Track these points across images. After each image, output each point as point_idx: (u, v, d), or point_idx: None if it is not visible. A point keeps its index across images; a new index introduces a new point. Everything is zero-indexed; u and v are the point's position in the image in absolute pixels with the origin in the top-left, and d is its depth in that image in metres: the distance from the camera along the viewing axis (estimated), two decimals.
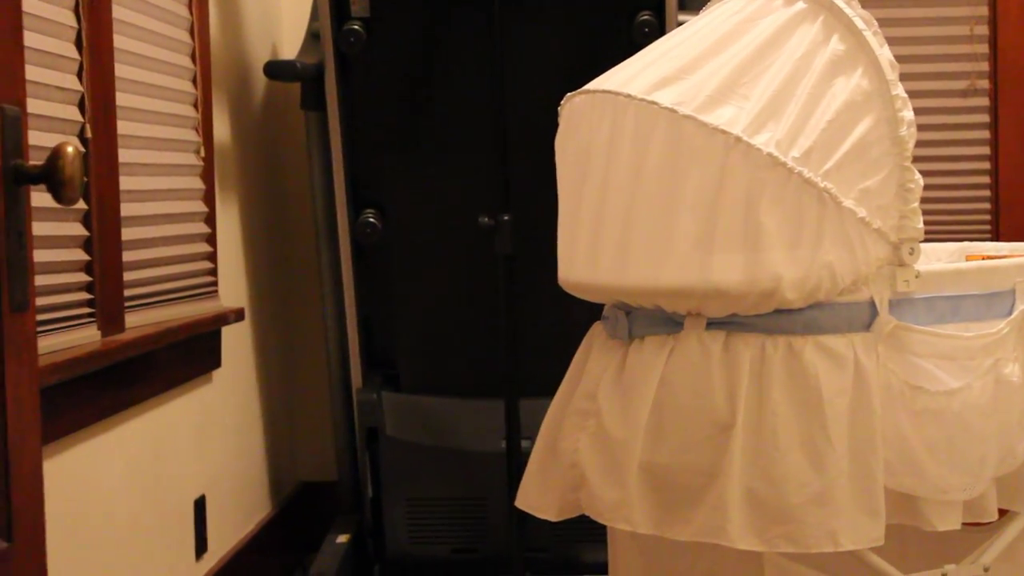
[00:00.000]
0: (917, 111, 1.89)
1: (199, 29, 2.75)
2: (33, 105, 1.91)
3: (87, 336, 2.15)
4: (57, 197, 1.29)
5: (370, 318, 3.12)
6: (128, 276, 2.34)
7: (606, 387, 1.92)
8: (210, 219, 2.80)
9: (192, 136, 2.71)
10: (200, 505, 2.72)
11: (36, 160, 1.32)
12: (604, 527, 2.04)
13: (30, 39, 1.90)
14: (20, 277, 1.29)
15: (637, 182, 1.81)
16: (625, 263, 1.84)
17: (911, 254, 1.86)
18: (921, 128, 1.90)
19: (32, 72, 1.90)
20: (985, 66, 3.50)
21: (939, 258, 2.46)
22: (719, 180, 1.76)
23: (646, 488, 1.86)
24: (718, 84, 1.81)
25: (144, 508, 2.40)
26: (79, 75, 2.13)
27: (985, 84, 3.51)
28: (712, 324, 1.83)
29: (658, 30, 2.77)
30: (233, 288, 3.02)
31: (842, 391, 1.80)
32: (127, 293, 2.34)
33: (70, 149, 1.29)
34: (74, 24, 2.11)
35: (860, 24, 1.86)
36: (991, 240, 3.48)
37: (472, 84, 2.85)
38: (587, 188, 1.89)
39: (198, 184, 2.74)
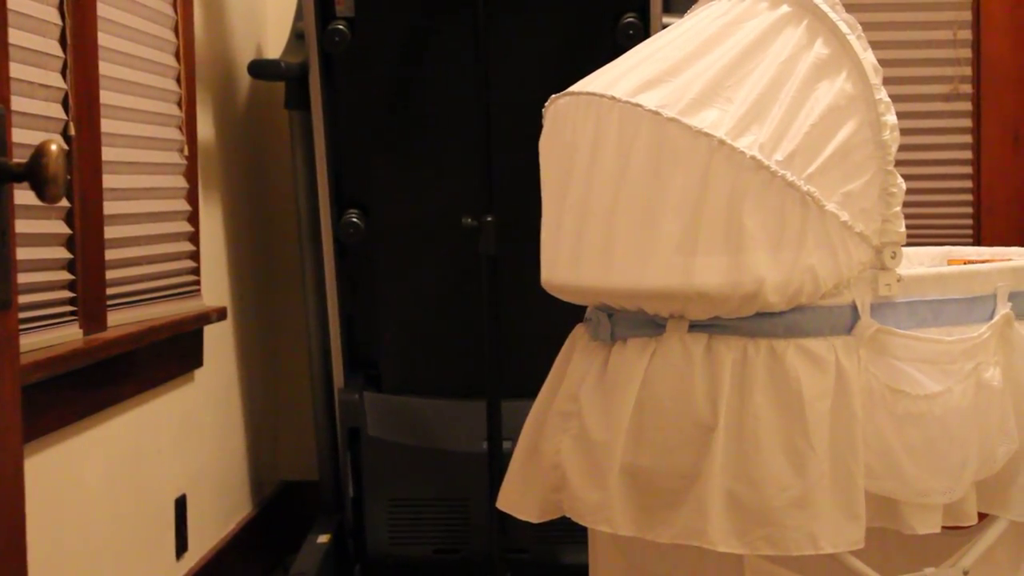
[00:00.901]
0: (900, 115, 1.89)
1: (184, 27, 2.74)
2: (16, 103, 1.90)
3: (69, 334, 2.15)
4: (40, 195, 1.28)
5: (353, 318, 3.12)
6: (110, 275, 2.34)
7: (588, 389, 1.92)
8: (193, 218, 2.79)
9: (176, 135, 2.71)
10: (181, 504, 2.72)
11: (19, 158, 1.32)
12: (585, 529, 2.04)
13: (14, 36, 1.89)
14: (3, 275, 1.29)
15: (621, 184, 1.81)
16: (608, 265, 1.84)
17: (893, 258, 1.87)
18: (903, 132, 1.91)
19: (16, 69, 1.89)
20: (968, 71, 3.52)
21: (921, 262, 2.47)
22: (702, 183, 1.76)
23: (627, 490, 1.86)
24: (702, 87, 1.81)
25: (125, 507, 2.40)
26: (63, 73, 2.13)
27: (968, 89, 3.52)
28: (694, 326, 1.84)
29: (642, 32, 2.78)
30: (216, 287, 3.01)
31: (823, 394, 1.81)
32: (109, 292, 2.33)
33: (54, 147, 1.28)
34: (58, 22, 2.10)
35: (844, 28, 1.86)
36: (973, 244, 3.49)
37: (456, 85, 2.85)
38: (571, 190, 1.89)
39: (181, 183, 2.74)
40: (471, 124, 2.62)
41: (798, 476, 1.78)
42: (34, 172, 1.28)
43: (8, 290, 1.31)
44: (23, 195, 1.61)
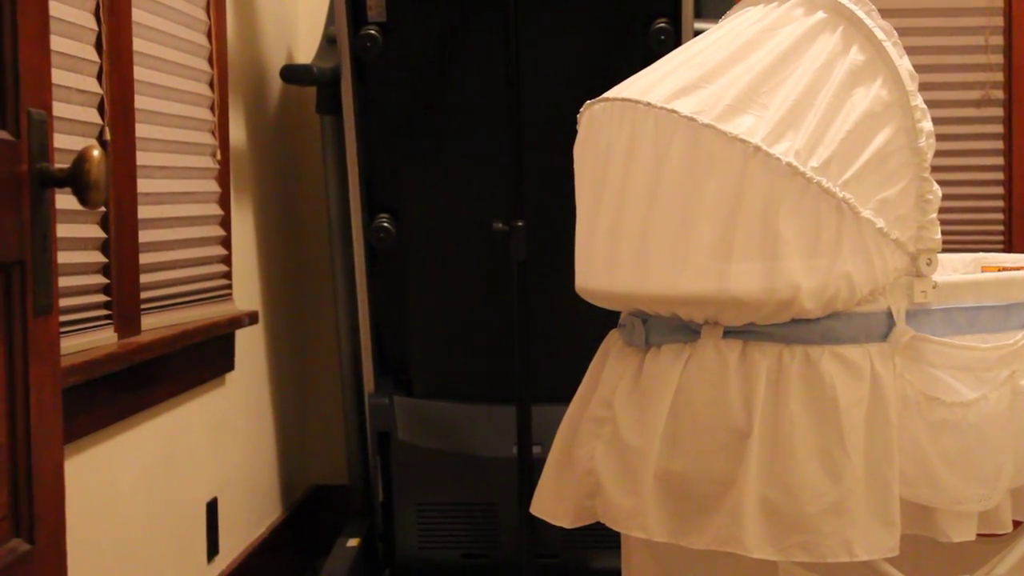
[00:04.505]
0: (931, 121, 1.89)
1: (216, 33, 2.75)
2: (54, 108, 1.91)
3: (104, 338, 2.16)
4: (83, 200, 1.29)
5: (383, 322, 3.12)
6: (144, 278, 2.35)
7: (622, 395, 1.92)
8: (225, 222, 2.80)
9: (208, 139, 2.72)
10: (212, 508, 2.73)
11: (57, 163, 1.33)
12: (614, 533, 2.03)
13: (52, 42, 1.90)
14: (44, 280, 1.30)
15: (656, 190, 1.81)
16: (643, 271, 1.84)
17: (929, 265, 1.86)
18: (935, 138, 1.90)
19: (54, 75, 1.90)
20: (999, 76, 3.50)
21: (955, 269, 2.46)
22: (738, 189, 1.76)
23: (662, 496, 1.86)
24: (738, 93, 1.81)
25: (157, 510, 2.41)
26: (99, 78, 2.14)
27: (999, 94, 3.51)
28: (729, 333, 1.84)
29: (674, 37, 2.77)
30: (247, 291, 3.02)
31: (859, 401, 1.80)
32: (143, 295, 2.34)
33: (96, 152, 1.29)
34: (95, 27, 2.11)
35: (880, 35, 1.86)
36: (1003, 251, 3.47)
37: (488, 90, 2.85)
38: (606, 195, 1.89)
39: (214, 187, 2.75)
40: (502, 128, 2.62)
41: (833, 483, 1.78)
42: (77, 178, 1.29)
43: (50, 294, 1.32)
44: (59, 199, 1.62)
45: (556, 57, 2.87)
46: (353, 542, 3.13)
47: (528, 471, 2.57)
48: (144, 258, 2.34)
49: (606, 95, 1.93)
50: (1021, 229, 3.50)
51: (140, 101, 2.31)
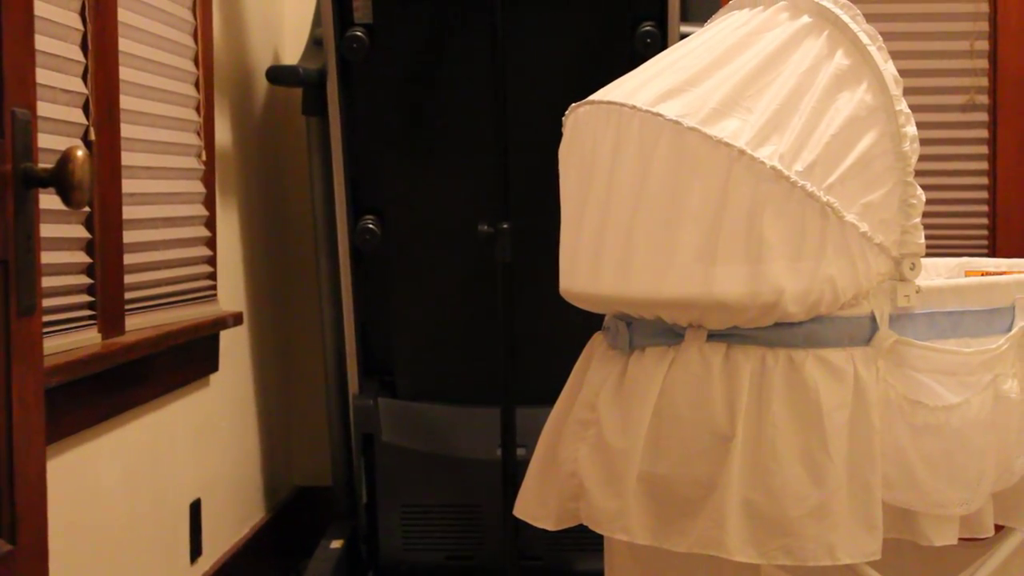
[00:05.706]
0: (916, 126, 1.89)
1: (202, 33, 2.75)
2: (39, 108, 1.90)
3: (87, 338, 2.15)
4: (66, 201, 1.29)
5: (368, 324, 3.12)
6: (128, 279, 2.34)
7: (606, 397, 1.92)
8: (210, 223, 2.80)
9: (194, 140, 2.72)
10: (196, 509, 2.72)
11: (40, 162, 1.33)
12: (598, 536, 2.03)
13: (37, 42, 1.90)
14: (28, 280, 1.30)
15: (641, 193, 1.81)
16: (627, 274, 1.84)
17: (912, 269, 1.87)
18: (920, 143, 1.91)
19: (39, 75, 1.89)
20: (984, 81, 3.51)
21: (938, 273, 2.47)
22: (722, 192, 1.76)
23: (645, 499, 1.86)
24: (723, 97, 1.81)
25: (140, 511, 2.40)
26: (84, 78, 2.14)
27: (984, 99, 3.52)
28: (713, 336, 1.84)
29: (660, 41, 2.78)
30: (232, 292, 3.02)
31: (842, 405, 1.81)
32: (127, 296, 2.34)
33: (80, 153, 1.29)
34: (80, 27, 2.11)
35: (865, 39, 1.86)
36: (988, 255, 3.48)
37: (474, 92, 2.85)
38: (591, 198, 1.89)
39: (199, 188, 2.75)
40: (488, 131, 2.62)
41: (816, 486, 1.78)
42: (60, 178, 1.29)
43: (33, 294, 1.31)
44: (43, 199, 1.62)
45: (542, 59, 2.88)
46: (336, 544, 3.13)
47: (512, 473, 2.57)
48: (128, 258, 2.34)
49: (592, 98, 1.93)
50: (1005, 234, 3.51)
51: (125, 101, 2.31)
